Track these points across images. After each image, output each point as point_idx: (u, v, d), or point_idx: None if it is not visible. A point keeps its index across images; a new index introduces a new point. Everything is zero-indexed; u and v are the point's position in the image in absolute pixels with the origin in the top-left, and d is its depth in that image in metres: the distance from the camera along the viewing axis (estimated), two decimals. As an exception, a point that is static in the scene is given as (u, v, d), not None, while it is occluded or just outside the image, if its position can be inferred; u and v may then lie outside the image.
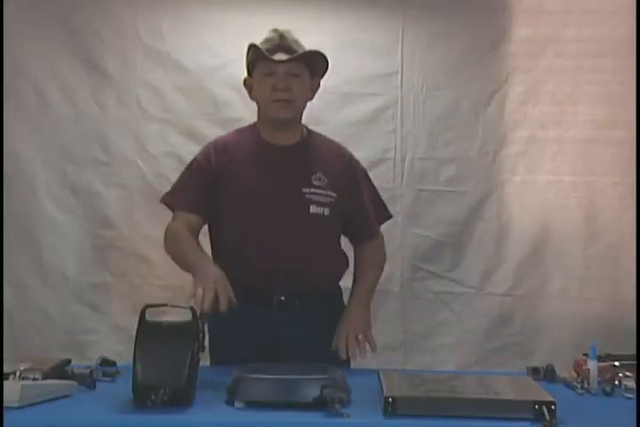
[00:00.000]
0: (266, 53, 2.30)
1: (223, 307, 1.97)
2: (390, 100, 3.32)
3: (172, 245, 2.32)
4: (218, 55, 3.32)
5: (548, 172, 3.32)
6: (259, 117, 2.44)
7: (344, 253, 2.48)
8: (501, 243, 3.32)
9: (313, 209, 2.31)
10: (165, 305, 1.85)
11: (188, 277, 3.23)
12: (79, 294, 3.32)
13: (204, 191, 2.35)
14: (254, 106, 3.29)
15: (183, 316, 1.83)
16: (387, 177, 3.28)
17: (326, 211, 2.32)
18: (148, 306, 1.82)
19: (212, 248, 2.43)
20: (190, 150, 3.31)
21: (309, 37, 3.20)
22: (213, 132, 3.30)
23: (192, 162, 2.44)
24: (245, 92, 3.27)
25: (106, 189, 3.33)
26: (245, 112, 3.30)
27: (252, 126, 2.45)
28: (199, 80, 3.32)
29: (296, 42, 2.36)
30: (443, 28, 3.31)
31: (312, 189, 2.32)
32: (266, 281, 2.28)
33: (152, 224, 3.32)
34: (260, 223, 2.31)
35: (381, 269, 2.53)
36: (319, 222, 2.32)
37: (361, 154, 3.12)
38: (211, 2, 3.31)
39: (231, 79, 3.31)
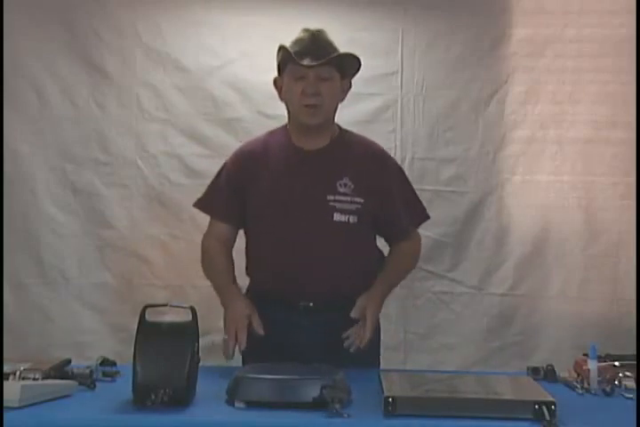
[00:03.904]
0: (295, 57, 2.25)
1: (242, 346, 2.16)
2: (390, 100, 3.32)
3: (207, 268, 2.40)
4: (218, 55, 3.32)
5: (548, 172, 3.32)
6: (289, 120, 2.41)
7: (377, 260, 2.43)
8: (501, 243, 3.32)
9: (337, 217, 2.28)
10: (165, 305, 1.85)
11: (188, 278, 3.27)
12: (79, 294, 3.33)
13: (236, 199, 2.38)
14: (254, 106, 3.33)
15: (183, 316, 1.83)
16: (387, 177, 3.28)
17: (352, 218, 2.28)
18: (147, 306, 1.82)
19: (246, 253, 2.43)
20: (190, 150, 3.34)
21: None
22: (213, 133, 3.32)
23: (222, 167, 2.45)
24: (244, 92, 3.33)
25: (106, 189, 3.33)
26: (245, 112, 3.32)
27: (284, 128, 2.41)
28: (199, 80, 3.32)
29: (327, 43, 2.32)
30: (443, 28, 3.31)
31: (336, 197, 2.28)
32: (292, 287, 2.30)
33: (152, 224, 3.33)
34: (284, 231, 2.30)
35: (405, 270, 2.47)
36: (344, 230, 2.29)
37: (361, 154, 3.14)
38: (211, 2, 3.31)
39: (231, 79, 3.32)
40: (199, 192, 3.28)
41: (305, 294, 2.30)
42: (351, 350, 2.18)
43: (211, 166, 3.28)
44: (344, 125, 3.23)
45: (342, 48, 3.34)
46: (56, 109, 3.32)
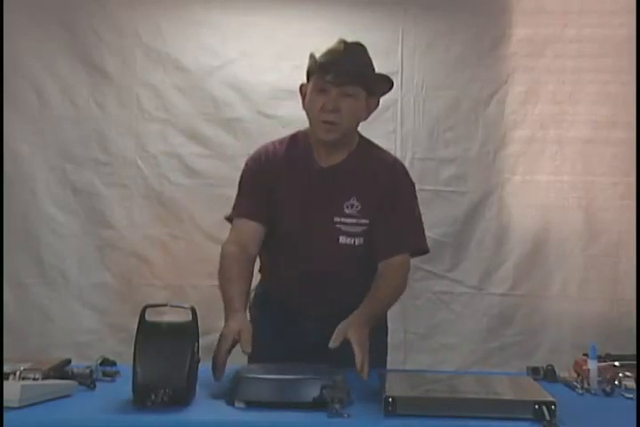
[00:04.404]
0: (320, 70, 2.17)
1: (218, 373, 1.91)
2: (390, 100, 3.30)
3: (219, 277, 2.22)
4: (218, 55, 3.32)
5: (548, 172, 3.33)
6: (310, 128, 2.30)
7: None
8: (501, 243, 3.33)
9: (342, 240, 2.24)
10: (165, 305, 1.85)
11: (188, 278, 3.27)
12: (79, 294, 3.33)
13: (260, 195, 2.27)
14: (254, 106, 3.33)
15: (183, 316, 1.83)
16: (387, 177, 3.28)
17: (358, 240, 2.24)
18: (147, 306, 1.82)
19: (259, 256, 2.34)
20: (190, 150, 3.34)
21: (309, 38, 3.22)
22: (213, 133, 3.33)
23: (244, 170, 2.35)
24: (244, 92, 3.33)
25: (106, 189, 3.33)
26: (245, 112, 3.32)
27: (306, 134, 2.31)
28: (199, 80, 3.33)
29: (359, 59, 2.22)
30: (443, 27, 3.31)
31: (342, 219, 2.24)
32: (299, 300, 2.30)
33: (152, 224, 3.33)
34: (292, 248, 2.28)
35: (394, 290, 2.25)
36: (349, 252, 2.25)
37: (361, 154, 3.13)
38: (211, 2, 3.31)
39: (231, 79, 3.33)
40: (199, 192, 3.31)
41: (311, 307, 2.29)
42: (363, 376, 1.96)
43: (211, 166, 3.31)
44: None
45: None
46: (56, 109, 3.33)
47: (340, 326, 2.02)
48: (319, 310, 2.28)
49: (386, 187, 2.27)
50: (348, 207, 2.25)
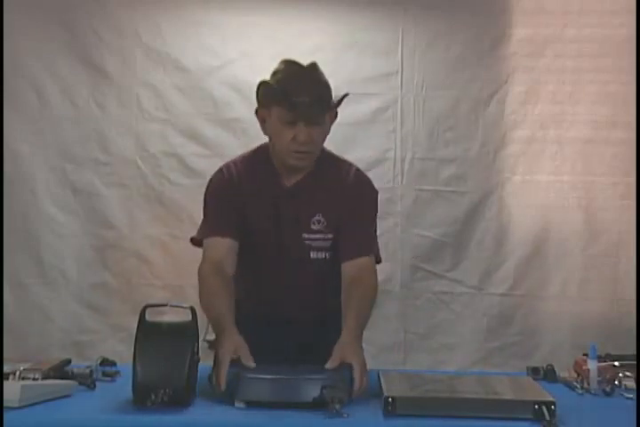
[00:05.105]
0: (288, 104, 2.10)
1: (220, 388, 1.85)
2: (390, 100, 3.32)
3: (200, 299, 2.16)
4: (218, 55, 3.33)
5: (548, 172, 3.33)
6: (273, 150, 2.24)
7: None
8: (501, 243, 3.33)
9: (313, 255, 2.26)
10: (165, 305, 1.85)
11: (188, 278, 3.26)
12: (79, 294, 3.33)
13: (228, 212, 2.24)
14: (254, 106, 3.28)
15: (183, 316, 1.83)
16: (387, 177, 3.29)
17: (327, 254, 2.27)
18: (147, 306, 1.82)
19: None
20: (190, 150, 3.34)
21: (309, 38, 3.23)
22: (213, 132, 3.33)
23: (208, 190, 2.33)
24: (244, 92, 3.31)
25: (106, 189, 3.34)
26: (245, 112, 3.31)
27: (267, 152, 2.27)
28: (199, 80, 3.33)
29: (320, 84, 2.16)
30: (443, 27, 3.31)
31: (310, 235, 2.25)
32: (273, 311, 2.31)
33: (152, 224, 3.34)
34: (266, 264, 2.30)
35: (370, 296, 2.19)
36: (321, 267, 2.27)
37: (361, 154, 3.13)
38: (210, 2, 3.31)
39: (231, 79, 3.33)
40: (199, 192, 3.29)
41: (286, 316, 2.30)
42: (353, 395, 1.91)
43: (211, 166, 3.25)
44: (344, 126, 3.23)
45: (342, 48, 3.36)
46: (56, 109, 3.33)
47: (337, 348, 1.97)
48: (296, 321, 2.29)
49: (349, 200, 2.26)
50: (314, 224, 2.25)
